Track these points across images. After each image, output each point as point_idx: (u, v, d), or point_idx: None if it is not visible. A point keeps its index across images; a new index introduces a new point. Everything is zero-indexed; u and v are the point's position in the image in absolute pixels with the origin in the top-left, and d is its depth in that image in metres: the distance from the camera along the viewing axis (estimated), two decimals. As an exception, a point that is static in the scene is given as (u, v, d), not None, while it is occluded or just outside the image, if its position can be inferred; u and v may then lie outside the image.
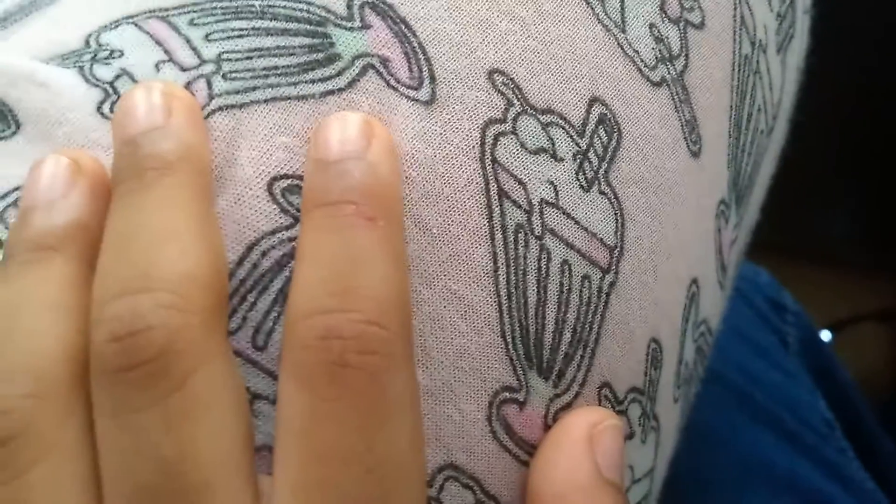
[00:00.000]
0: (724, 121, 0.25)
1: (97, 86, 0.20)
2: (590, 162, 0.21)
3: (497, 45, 0.20)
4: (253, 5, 0.20)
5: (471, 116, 0.20)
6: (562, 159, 0.21)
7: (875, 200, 0.82)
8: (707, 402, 0.30)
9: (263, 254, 0.18)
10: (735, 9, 0.25)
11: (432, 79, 0.20)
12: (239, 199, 0.19)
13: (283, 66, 0.19)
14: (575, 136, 0.21)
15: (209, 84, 0.19)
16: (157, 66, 0.20)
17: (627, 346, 0.22)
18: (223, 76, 0.19)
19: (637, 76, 0.22)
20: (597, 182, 0.21)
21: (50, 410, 0.17)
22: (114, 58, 0.20)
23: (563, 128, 0.21)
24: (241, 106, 0.19)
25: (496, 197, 0.20)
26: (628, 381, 0.22)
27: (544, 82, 0.21)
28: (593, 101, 0.21)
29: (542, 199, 0.20)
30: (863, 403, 0.50)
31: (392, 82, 0.20)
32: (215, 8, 0.20)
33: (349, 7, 0.20)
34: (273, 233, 0.19)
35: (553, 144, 0.21)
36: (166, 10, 0.20)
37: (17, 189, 0.19)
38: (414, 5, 0.20)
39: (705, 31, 0.24)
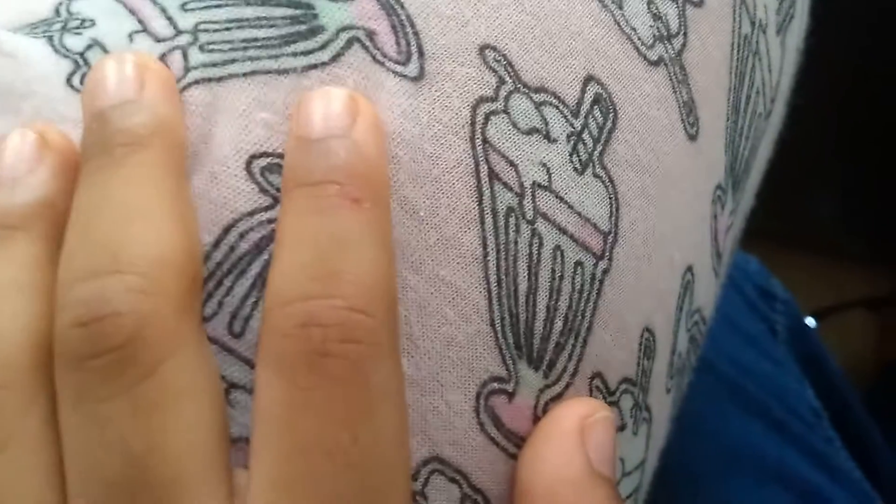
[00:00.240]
0: (722, 103, 0.24)
1: (67, 57, 0.19)
2: (584, 143, 0.20)
3: (489, 19, 0.20)
4: None
5: (461, 94, 0.19)
6: (555, 140, 0.20)
7: (863, 188, 0.82)
8: (696, 392, 0.30)
9: (241, 236, 0.18)
10: None
11: (421, 53, 0.19)
12: (215, 178, 0.18)
13: (263, 38, 0.19)
14: (569, 117, 0.20)
15: (185, 56, 0.19)
16: (130, 36, 0.19)
17: (620, 336, 0.21)
18: (200, 48, 0.19)
19: (634, 55, 0.21)
20: (591, 164, 0.20)
21: (10, 398, 0.16)
22: (85, 27, 0.19)
23: (557, 107, 0.20)
24: (219, 79, 0.18)
25: (486, 179, 0.19)
26: (620, 372, 0.21)
27: (538, 59, 0.20)
28: (588, 79, 0.20)
29: (534, 182, 0.19)
30: (850, 392, 0.49)
31: (378, 57, 0.19)
32: None
33: None
34: (251, 214, 0.18)
35: (546, 125, 0.20)
36: None
37: (-20, 165, 0.18)
38: None
39: (705, 8, 0.23)
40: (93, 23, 0.19)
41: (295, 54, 0.18)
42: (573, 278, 0.20)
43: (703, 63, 0.23)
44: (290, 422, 0.16)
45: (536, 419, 0.20)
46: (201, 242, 0.18)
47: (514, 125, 0.19)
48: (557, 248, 0.20)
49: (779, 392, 0.44)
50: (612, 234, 0.21)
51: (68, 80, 0.19)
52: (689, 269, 0.23)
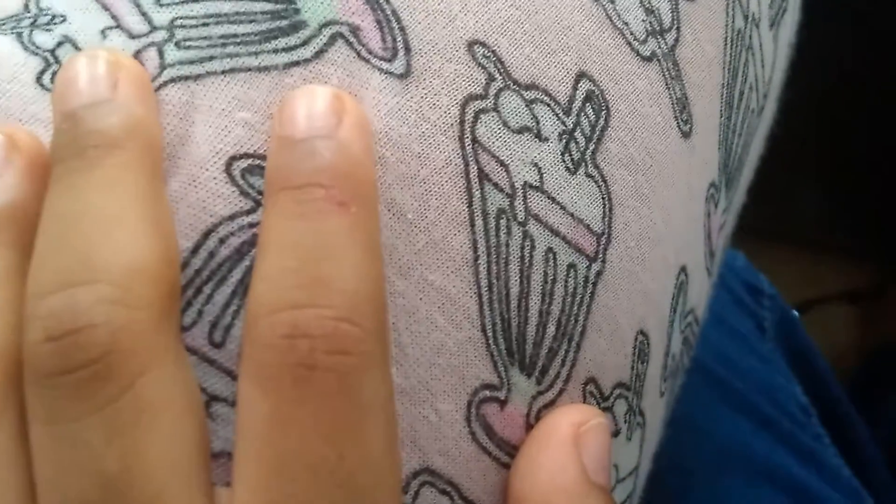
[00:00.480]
0: (715, 99, 0.23)
1: (37, 54, 0.18)
2: (576, 142, 0.20)
3: (477, 14, 0.19)
4: None
5: (449, 91, 0.18)
6: (546, 139, 0.19)
7: (844, 182, 0.82)
8: (686, 390, 0.29)
9: (221, 241, 0.17)
10: None
11: (407, 50, 0.18)
12: (193, 181, 0.17)
13: (242, 34, 0.18)
14: (561, 115, 0.19)
15: (161, 53, 0.18)
16: (102, 32, 0.18)
17: (614, 340, 0.20)
18: (176, 44, 0.18)
19: (626, 50, 0.21)
20: (583, 164, 0.20)
21: None
22: (55, 23, 0.19)
23: (549, 105, 0.19)
24: (196, 77, 0.18)
25: (476, 180, 0.18)
26: (614, 376, 0.21)
27: (528, 55, 0.19)
28: (580, 76, 0.20)
29: (525, 183, 0.19)
30: (837, 387, 0.49)
31: (363, 53, 0.18)
32: None
33: None
34: (232, 218, 0.17)
35: (537, 123, 0.19)
36: None
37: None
38: None
39: (697, 2, 0.22)
40: (64, 18, 0.19)
41: (276, 51, 0.18)
42: (566, 281, 0.19)
43: (696, 58, 0.22)
44: (274, 438, 0.15)
45: (529, 427, 0.19)
46: (179, 248, 0.17)
47: (505, 124, 0.19)
48: (550, 250, 0.19)
49: (767, 389, 0.43)
50: (606, 236, 0.20)
51: (38, 79, 0.18)
52: (683, 269, 0.23)
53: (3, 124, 0.18)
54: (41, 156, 0.17)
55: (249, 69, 0.18)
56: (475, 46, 0.19)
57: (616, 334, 0.20)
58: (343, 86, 0.18)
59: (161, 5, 0.18)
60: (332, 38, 0.18)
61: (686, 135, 0.22)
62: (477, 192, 0.18)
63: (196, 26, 0.18)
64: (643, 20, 0.21)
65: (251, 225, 0.17)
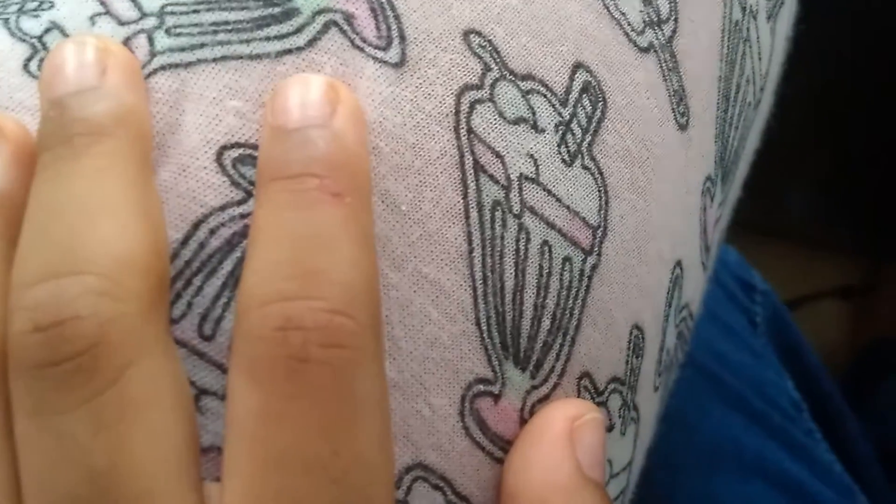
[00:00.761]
0: (712, 91, 0.23)
1: (24, 40, 0.18)
2: (573, 134, 0.19)
3: (473, 2, 0.19)
4: None
5: (444, 81, 0.18)
6: (543, 130, 0.19)
7: (836, 178, 0.82)
8: (678, 385, 0.29)
9: (212, 232, 0.17)
10: None
11: (402, 38, 0.18)
12: (184, 171, 0.17)
13: (234, 21, 0.18)
14: (557, 106, 0.19)
15: (150, 40, 0.18)
16: (91, 19, 0.18)
17: (609, 334, 0.20)
18: (166, 31, 0.18)
19: (624, 41, 0.20)
20: (580, 156, 0.19)
21: None
22: (43, 9, 0.18)
23: (545, 96, 0.19)
24: (187, 65, 0.17)
25: (472, 171, 0.18)
26: (609, 371, 0.20)
27: (525, 45, 0.19)
28: (577, 66, 0.20)
29: (521, 174, 0.19)
30: (829, 383, 0.49)
31: (357, 41, 0.18)
32: None
33: None
34: (223, 208, 0.17)
35: (534, 114, 0.19)
36: None
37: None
38: None
39: None
40: (51, 4, 0.18)
41: (268, 38, 0.17)
42: (561, 274, 0.19)
43: (693, 50, 0.22)
44: (266, 433, 0.15)
45: (523, 422, 0.19)
46: (168, 239, 0.17)
47: (501, 114, 0.18)
48: (545, 243, 0.19)
49: (759, 384, 0.43)
50: (602, 229, 0.20)
51: (25, 66, 0.18)
52: (679, 263, 0.23)
53: None
54: (28, 144, 0.17)
55: (241, 57, 0.17)
56: (471, 35, 0.18)
57: (611, 328, 0.20)
58: (337, 74, 0.17)
59: None
60: (326, 26, 0.18)
61: (683, 127, 0.22)
62: (472, 184, 0.18)
63: (187, 13, 0.18)
64: (641, 10, 0.21)
65: (242, 216, 0.17)
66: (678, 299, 0.23)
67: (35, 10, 0.18)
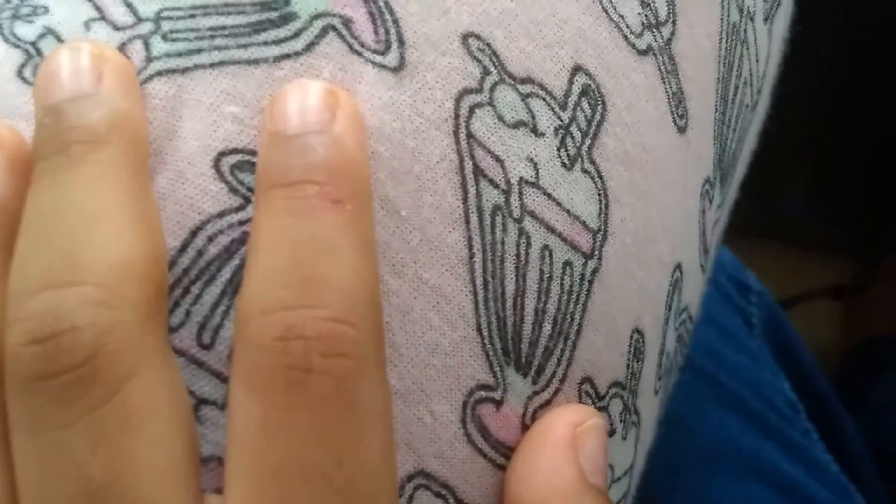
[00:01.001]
0: (710, 94, 0.23)
1: (17, 46, 0.18)
2: (572, 137, 0.19)
3: (472, 6, 0.18)
4: None
5: (444, 85, 0.18)
6: (542, 134, 0.19)
7: (828, 179, 0.82)
8: (676, 387, 0.29)
9: (210, 239, 0.17)
10: None
11: (401, 42, 0.18)
12: (181, 177, 0.17)
13: (231, 26, 0.17)
14: (557, 109, 0.19)
15: (147, 45, 0.17)
16: (86, 24, 0.18)
17: (610, 338, 0.20)
18: (163, 36, 0.17)
19: (623, 43, 0.20)
20: (580, 159, 0.19)
21: None
22: (37, 14, 0.18)
23: (544, 99, 0.19)
24: (184, 70, 0.17)
25: (471, 175, 0.18)
26: (610, 376, 0.20)
27: (524, 48, 0.19)
28: (576, 69, 0.19)
29: (521, 178, 0.18)
30: (825, 383, 0.49)
31: (356, 46, 0.18)
32: None
33: None
34: (221, 215, 0.17)
35: (533, 118, 0.19)
36: None
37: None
38: None
39: None
40: (46, 9, 0.18)
41: (266, 43, 0.17)
42: (562, 279, 0.19)
43: (692, 52, 0.22)
44: (268, 445, 0.15)
45: (525, 428, 0.19)
46: (166, 247, 0.16)
47: (500, 118, 0.18)
48: (546, 247, 0.19)
49: (755, 385, 0.43)
50: (602, 233, 0.20)
51: (19, 72, 0.18)
52: (678, 266, 0.23)
53: None
54: (23, 152, 0.17)
55: (239, 62, 0.17)
56: (470, 39, 0.18)
57: (612, 333, 0.20)
58: (335, 79, 0.17)
59: None
60: (324, 31, 0.18)
61: (682, 130, 0.22)
62: (472, 189, 0.18)
63: (183, 18, 0.17)
64: (639, 13, 0.21)
65: (241, 222, 0.17)
66: (678, 302, 0.23)
67: (29, 15, 0.18)
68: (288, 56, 0.17)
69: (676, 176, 0.22)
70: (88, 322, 0.14)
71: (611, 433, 0.21)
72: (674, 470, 0.39)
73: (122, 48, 0.17)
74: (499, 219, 0.18)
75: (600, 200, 0.20)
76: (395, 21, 0.18)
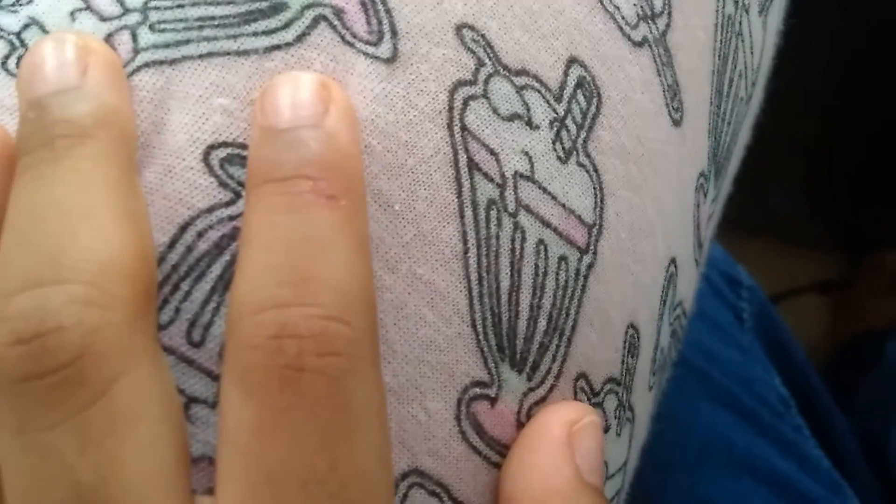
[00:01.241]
0: (705, 86, 0.23)
1: (1, 37, 0.18)
2: (567, 130, 0.19)
3: None
4: None
5: (437, 77, 0.18)
6: (537, 127, 0.19)
7: (817, 174, 0.82)
8: (669, 383, 0.29)
9: (199, 235, 0.16)
10: None
11: (394, 33, 0.17)
12: (169, 172, 0.16)
13: (220, 16, 0.17)
14: (552, 101, 0.19)
15: (134, 36, 0.17)
16: (71, 14, 0.17)
17: (605, 334, 0.20)
18: (150, 27, 0.17)
19: (618, 35, 0.20)
20: (575, 152, 0.19)
21: None
22: (21, 4, 0.18)
23: (539, 91, 0.19)
24: (172, 62, 0.17)
25: (466, 169, 0.18)
26: (605, 372, 0.20)
27: (518, 39, 0.18)
28: (571, 61, 0.19)
29: (515, 172, 0.18)
30: (816, 379, 0.49)
31: (348, 37, 0.17)
32: None
33: None
34: (210, 210, 0.16)
35: (528, 110, 0.18)
36: None
37: None
38: None
39: None
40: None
41: (256, 34, 0.17)
42: (557, 274, 0.19)
43: (687, 44, 0.22)
44: (260, 447, 0.14)
45: (520, 425, 0.18)
46: (155, 243, 0.16)
47: (495, 111, 0.18)
48: (541, 242, 0.18)
49: (747, 381, 0.43)
50: (597, 227, 0.19)
51: (3, 64, 0.17)
52: (673, 261, 0.22)
53: None
54: (7, 146, 0.16)
55: (228, 53, 0.17)
56: (464, 30, 0.18)
57: (607, 328, 0.20)
58: (327, 71, 0.17)
59: None
60: (315, 21, 0.17)
61: (677, 123, 0.22)
62: (466, 182, 0.18)
63: (171, 8, 0.17)
64: (634, 4, 0.20)
65: (231, 217, 0.16)
66: (672, 297, 0.23)
67: (13, 5, 0.18)
68: (278, 47, 0.17)
69: (671, 169, 0.22)
70: (75, 321, 0.14)
71: (605, 429, 0.20)
72: (666, 466, 0.39)
73: (108, 39, 0.17)
74: (493, 213, 0.18)
75: (595, 194, 0.19)
76: (388, 11, 0.18)
